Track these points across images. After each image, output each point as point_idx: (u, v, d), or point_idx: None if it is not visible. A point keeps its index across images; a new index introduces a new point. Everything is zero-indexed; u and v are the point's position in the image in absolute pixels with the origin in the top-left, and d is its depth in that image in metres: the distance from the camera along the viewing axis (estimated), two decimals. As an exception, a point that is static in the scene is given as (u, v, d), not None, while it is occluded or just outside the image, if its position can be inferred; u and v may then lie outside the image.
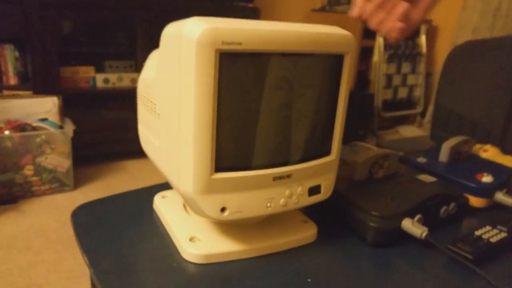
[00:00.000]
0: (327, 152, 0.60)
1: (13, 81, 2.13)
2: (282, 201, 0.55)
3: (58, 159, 1.94)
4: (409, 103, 3.88)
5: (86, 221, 0.63)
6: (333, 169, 0.62)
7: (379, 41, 3.36)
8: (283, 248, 0.61)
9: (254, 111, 0.50)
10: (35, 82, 2.13)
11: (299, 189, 0.57)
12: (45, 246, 1.57)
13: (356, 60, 3.28)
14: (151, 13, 2.35)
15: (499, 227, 0.68)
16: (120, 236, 0.60)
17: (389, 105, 3.73)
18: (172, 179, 0.53)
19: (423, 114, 3.87)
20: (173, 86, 0.49)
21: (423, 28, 3.58)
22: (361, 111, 3.26)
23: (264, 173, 0.53)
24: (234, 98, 0.48)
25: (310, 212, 0.70)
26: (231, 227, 0.61)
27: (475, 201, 0.78)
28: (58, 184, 1.99)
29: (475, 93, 1.14)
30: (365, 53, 3.35)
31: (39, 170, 1.92)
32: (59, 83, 2.22)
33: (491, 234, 0.65)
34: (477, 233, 0.65)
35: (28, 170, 1.88)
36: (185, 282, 0.51)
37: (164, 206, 0.65)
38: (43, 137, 1.89)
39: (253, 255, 0.58)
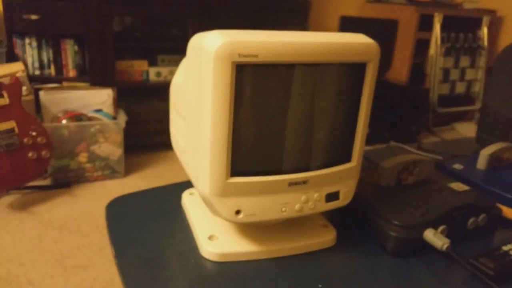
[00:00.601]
0: (347, 159, 0.61)
1: (72, 73, 2.27)
2: (297, 206, 0.57)
3: (111, 148, 2.06)
4: (467, 98, 3.70)
5: (118, 213, 0.68)
6: (354, 176, 0.62)
7: (436, 33, 3.22)
8: (300, 251, 0.62)
9: (271, 120, 0.52)
10: (92, 75, 2.27)
11: (316, 195, 0.58)
12: (93, 229, 1.68)
13: (411, 52, 3.16)
14: (202, 8, 2.41)
15: (530, 243, 0.65)
16: (148, 229, 0.64)
17: (445, 100, 3.58)
18: (193, 180, 0.56)
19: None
20: (195, 94, 0.52)
21: (485, 19, 3.39)
22: (414, 107, 3.16)
23: (280, 179, 0.55)
24: (251, 107, 0.50)
25: (332, 216, 0.71)
26: (249, 228, 0.63)
27: (510, 213, 0.75)
28: (110, 171, 2.11)
29: (525, 97, 1.08)
30: (421, 46, 3.23)
31: (93, 157, 2.05)
32: (114, 76, 2.35)
33: (520, 250, 0.63)
34: (505, 248, 0.63)
35: (83, 157, 2.01)
36: (200, 278, 0.54)
37: (190, 203, 0.69)
38: (97, 127, 2.01)
39: (269, 256, 0.60)
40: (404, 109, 3.12)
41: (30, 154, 1.74)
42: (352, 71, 0.55)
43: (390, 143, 1.14)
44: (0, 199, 1.87)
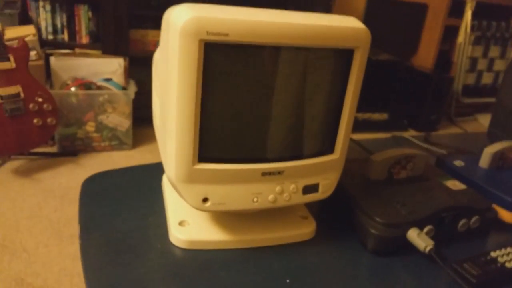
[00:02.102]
0: (330, 150, 0.57)
1: (85, 40, 2.25)
2: (271, 197, 0.54)
3: (119, 119, 2.05)
4: (493, 90, 3.57)
5: (94, 191, 0.67)
6: (336, 169, 0.59)
7: (467, 20, 3.08)
8: (275, 243, 0.59)
9: (244, 105, 0.48)
10: (105, 43, 2.24)
11: (292, 186, 0.55)
12: (96, 199, 1.68)
13: (438, 39, 3.03)
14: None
15: (523, 251, 0.61)
16: (120, 210, 0.62)
17: (471, 90, 3.46)
18: (163, 163, 0.54)
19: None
20: (164, 71, 0.48)
21: (520, 7, 3.22)
22: (437, 95, 3.06)
23: (252, 168, 0.51)
24: (222, 90, 0.47)
25: (314, 206, 0.68)
26: (224, 216, 0.60)
27: (508, 217, 0.71)
28: (117, 142, 2.11)
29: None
30: (450, 32, 3.09)
31: (100, 127, 2.04)
32: (127, 45, 2.32)
33: (510, 257, 0.59)
34: (493, 254, 0.59)
35: (90, 127, 2.01)
36: (161, 266, 0.52)
37: (169, 185, 0.66)
38: (106, 96, 2.00)
39: (241, 246, 0.58)
40: (426, 96, 3.02)
41: (35, 121, 1.74)
42: (337, 58, 0.51)
43: (395, 134, 1.09)
44: (5, 164, 1.89)
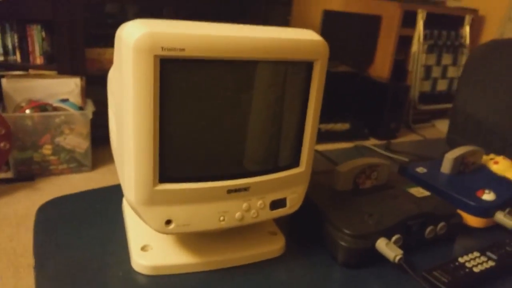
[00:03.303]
0: (295, 164, 0.56)
1: (39, 60, 2.17)
2: (238, 215, 0.52)
3: (77, 140, 1.98)
4: (448, 96, 3.71)
5: (49, 218, 0.62)
6: (303, 182, 0.58)
7: (419, 30, 3.20)
8: (245, 262, 0.57)
9: (205, 121, 0.47)
10: (60, 63, 2.17)
11: (259, 202, 0.53)
12: (56, 225, 1.60)
13: (393, 49, 3.13)
14: (177, -4, 2.33)
15: (488, 253, 0.61)
16: (78, 237, 0.58)
17: (426, 97, 3.58)
18: (121, 185, 0.51)
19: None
20: (118, 90, 0.46)
21: (468, 18, 3.38)
22: (394, 103, 3.14)
23: (217, 185, 0.50)
24: (180, 106, 0.45)
25: (282, 221, 0.66)
26: (189, 237, 0.58)
27: (473, 221, 0.72)
28: (76, 164, 2.03)
29: (495, 97, 1.05)
30: (404, 42, 3.20)
31: (58, 149, 1.96)
32: (83, 64, 2.25)
33: (477, 262, 0.59)
34: (461, 260, 0.60)
35: (47, 150, 1.93)
36: (128, 294, 0.49)
37: (129, 208, 0.63)
38: (63, 117, 1.93)
39: (209, 268, 0.55)
40: (384, 105, 3.10)
41: (-13, 146, 1.65)
42: (296, 70, 0.50)
43: (357, 144, 1.10)
44: (-43, 191, 1.78)
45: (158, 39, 0.41)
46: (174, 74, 0.43)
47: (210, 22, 0.46)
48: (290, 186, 0.56)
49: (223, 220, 0.51)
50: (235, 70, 0.46)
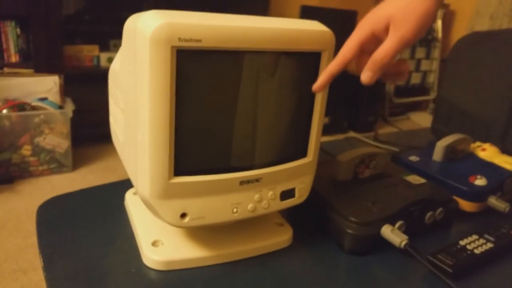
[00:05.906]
0: (303, 154, 0.57)
1: (14, 58, 2.11)
2: (250, 206, 0.52)
3: (57, 140, 1.93)
4: (422, 89, 3.80)
5: (52, 217, 0.61)
6: (310, 172, 0.58)
7: (392, 25, 3.25)
8: (254, 253, 0.58)
9: (219, 113, 0.47)
10: (37, 60, 2.11)
11: (270, 193, 0.54)
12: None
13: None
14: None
15: (486, 236, 0.64)
16: (84, 235, 0.57)
17: (401, 91, 3.66)
18: (133, 180, 0.51)
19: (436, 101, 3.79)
20: (131, 83, 0.46)
21: (440, 12, 3.47)
22: (371, 97, 3.20)
23: (230, 177, 0.50)
24: (196, 98, 0.45)
25: (288, 212, 0.67)
26: (198, 231, 0.58)
27: (467, 206, 0.74)
28: (56, 165, 1.99)
29: (478, 88, 1.09)
30: (377, 38, 3.25)
31: (37, 150, 1.91)
32: (61, 62, 2.20)
33: (477, 244, 0.62)
34: (462, 243, 0.62)
35: (26, 150, 1.88)
36: (143, 290, 0.49)
37: (134, 203, 0.63)
38: (42, 117, 1.88)
39: (220, 261, 0.55)
40: (361, 99, 3.15)
41: (-36, 148, 1.59)
42: (306, 61, 0.51)
43: (348, 135, 1.11)
44: None
45: (175, 29, 0.40)
46: (190, 66, 0.43)
47: (218, 13, 0.46)
48: (298, 176, 0.57)
49: (236, 212, 0.51)
50: (250, 61, 0.46)
